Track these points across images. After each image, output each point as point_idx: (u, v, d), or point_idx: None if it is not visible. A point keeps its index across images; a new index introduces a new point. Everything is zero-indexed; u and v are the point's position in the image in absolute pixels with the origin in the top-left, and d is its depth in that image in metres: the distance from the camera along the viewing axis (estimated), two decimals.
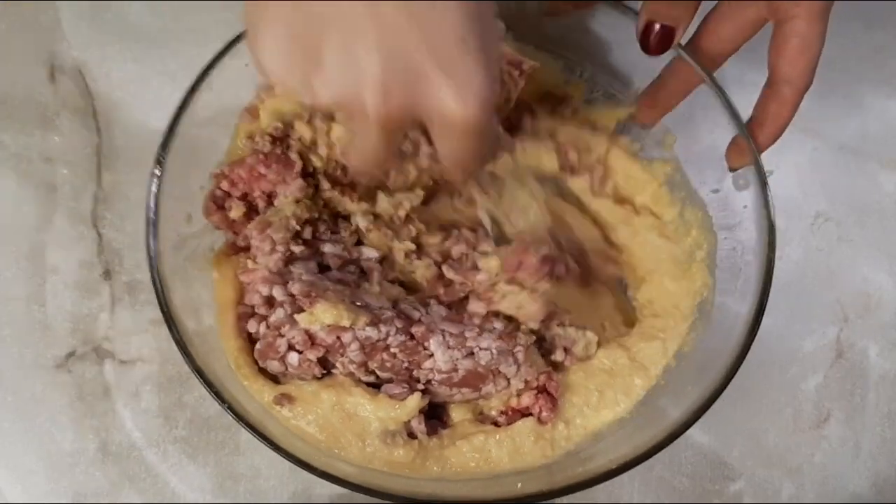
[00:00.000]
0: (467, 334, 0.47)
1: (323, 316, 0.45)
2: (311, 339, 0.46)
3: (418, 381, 0.47)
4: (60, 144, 0.58)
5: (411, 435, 0.47)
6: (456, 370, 0.47)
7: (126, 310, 0.56)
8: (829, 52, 0.64)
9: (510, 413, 0.49)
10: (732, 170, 0.50)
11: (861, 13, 0.65)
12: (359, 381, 0.47)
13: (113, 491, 0.54)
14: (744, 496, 0.58)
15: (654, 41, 0.46)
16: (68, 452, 0.54)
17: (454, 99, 0.33)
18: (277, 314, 0.46)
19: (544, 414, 0.49)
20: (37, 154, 0.58)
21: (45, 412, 0.55)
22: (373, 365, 0.47)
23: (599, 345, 0.51)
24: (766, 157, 0.47)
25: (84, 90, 0.59)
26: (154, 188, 0.45)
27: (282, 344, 0.46)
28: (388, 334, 0.46)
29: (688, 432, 0.45)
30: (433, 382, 0.47)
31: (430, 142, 0.41)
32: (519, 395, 0.49)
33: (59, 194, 0.57)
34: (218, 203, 0.49)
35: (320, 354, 0.46)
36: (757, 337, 0.45)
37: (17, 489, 0.54)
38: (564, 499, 0.56)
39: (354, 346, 0.46)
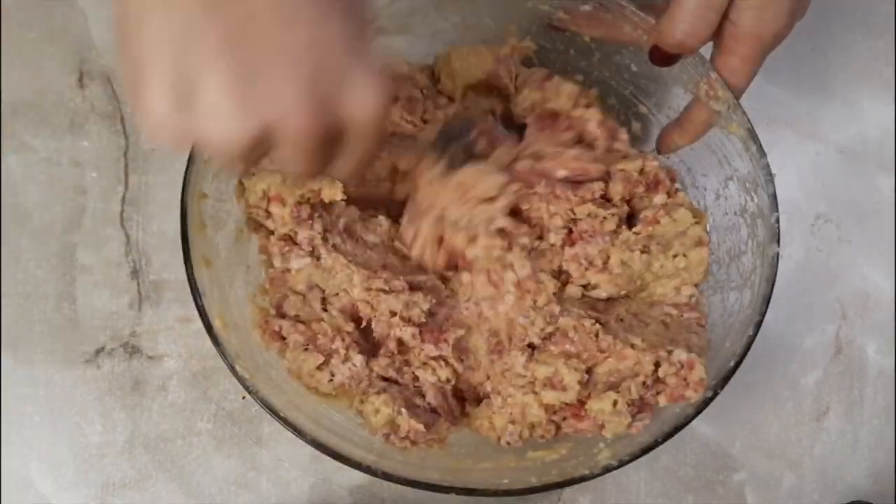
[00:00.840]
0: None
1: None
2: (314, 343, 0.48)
3: (416, 378, 0.49)
4: (89, 149, 0.59)
5: (418, 434, 0.48)
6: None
7: (153, 308, 0.58)
8: (831, 60, 0.66)
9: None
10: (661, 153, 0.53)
11: (861, 22, 0.66)
12: (366, 388, 0.48)
13: (140, 481, 0.56)
14: (746, 486, 0.59)
15: (661, 58, 0.48)
16: (97, 445, 0.56)
17: (364, 100, 0.35)
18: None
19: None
20: (67, 158, 0.59)
21: (75, 406, 0.56)
22: (376, 367, 0.48)
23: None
24: (770, 161, 0.49)
25: (112, 96, 0.60)
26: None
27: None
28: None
29: (692, 425, 0.46)
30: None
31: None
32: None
33: (88, 197, 0.59)
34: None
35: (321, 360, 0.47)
36: (759, 334, 0.46)
37: (48, 480, 0.55)
38: (576, 488, 0.57)
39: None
